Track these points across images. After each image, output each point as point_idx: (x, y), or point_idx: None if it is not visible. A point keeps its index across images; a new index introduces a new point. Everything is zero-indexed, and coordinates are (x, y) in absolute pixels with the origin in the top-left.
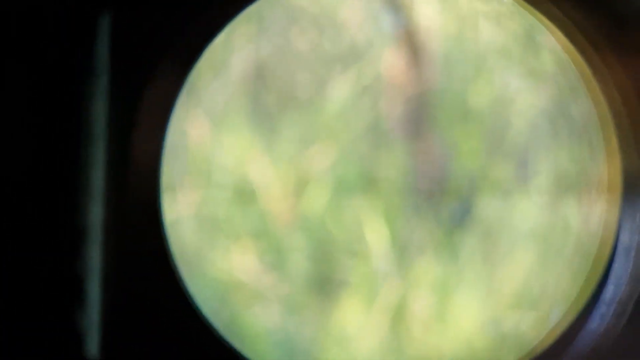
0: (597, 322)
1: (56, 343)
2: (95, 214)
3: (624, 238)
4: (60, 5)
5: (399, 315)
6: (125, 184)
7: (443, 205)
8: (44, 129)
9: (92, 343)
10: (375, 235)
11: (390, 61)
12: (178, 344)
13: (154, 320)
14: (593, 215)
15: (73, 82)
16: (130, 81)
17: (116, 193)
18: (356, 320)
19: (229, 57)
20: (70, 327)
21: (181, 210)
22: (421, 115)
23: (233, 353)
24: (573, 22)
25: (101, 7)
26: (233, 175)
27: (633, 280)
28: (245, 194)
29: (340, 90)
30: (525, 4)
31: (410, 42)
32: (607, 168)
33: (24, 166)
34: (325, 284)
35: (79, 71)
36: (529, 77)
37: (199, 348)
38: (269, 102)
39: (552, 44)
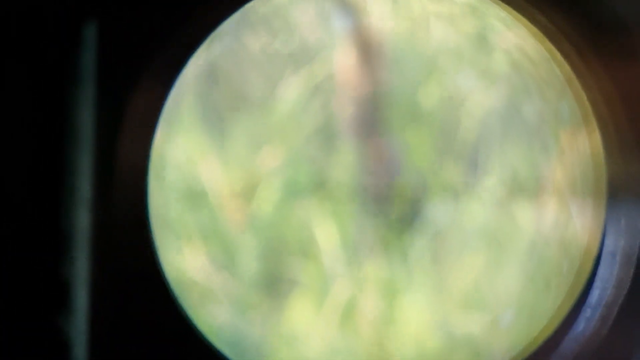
0: (582, 326)
1: (41, 349)
2: (82, 220)
3: (609, 242)
4: (45, 14)
5: (348, 316)
6: (112, 190)
7: (393, 206)
8: (30, 135)
9: (80, 349)
10: (325, 236)
11: (341, 61)
12: (165, 350)
13: (141, 326)
14: (546, 217)
15: (59, 89)
16: (117, 88)
17: (102, 199)
18: (306, 320)
19: None
20: (56, 333)
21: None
22: (372, 115)
23: (220, 358)
24: (557, 27)
25: (85, 16)
26: (184, 175)
27: (618, 284)
28: (195, 194)
29: (291, 91)
30: (510, 9)
31: (361, 42)
32: (591, 172)
33: (9, 172)
34: (275, 283)
35: (65, 78)
36: (481, 77)
37: (185, 353)
38: (220, 103)
39: (505, 44)
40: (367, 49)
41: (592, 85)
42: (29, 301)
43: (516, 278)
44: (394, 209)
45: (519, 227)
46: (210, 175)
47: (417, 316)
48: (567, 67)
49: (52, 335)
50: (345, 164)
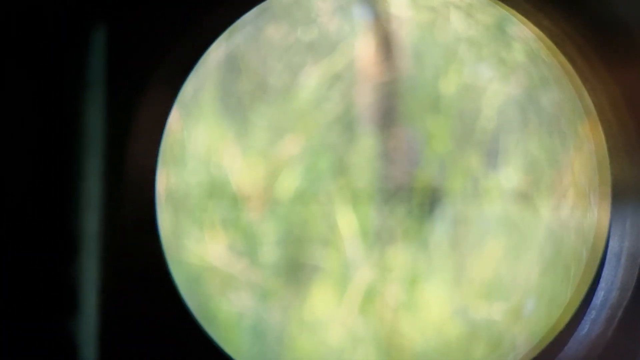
0: (587, 328)
1: (51, 350)
2: (91, 222)
3: (614, 244)
4: (54, 17)
5: (369, 303)
6: (121, 192)
7: (413, 194)
8: (40, 138)
9: (89, 350)
10: (346, 223)
11: (362, 51)
12: (173, 351)
13: (150, 328)
14: (564, 205)
15: (68, 92)
16: (126, 91)
17: (111, 201)
18: (327, 307)
19: None
20: (65, 334)
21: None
22: (392, 104)
23: (226, 358)
24: (563, 32)
25: (95, 18)
26: (205, 162)
27: (623, 286)
28: (217, 182)
29: (311, 80)
30: (517, 14)
31: (381, 31)
32: (597, 174)
33: (19, 174)
34: (296, 270)
35: (74, 81)
36: (500, 67)
37: (192, 354)
38: (241, 92)
39: (523, 35)
40: (387, 39)
41: (596, 87)
42: (38, 303)
43: (535, 266)
44: (414, 197)
45: (537, 215)
46: (231, 163)
47: (438, 303)
48: (572, 72)
49: (62, 336)
50: (365, 152)
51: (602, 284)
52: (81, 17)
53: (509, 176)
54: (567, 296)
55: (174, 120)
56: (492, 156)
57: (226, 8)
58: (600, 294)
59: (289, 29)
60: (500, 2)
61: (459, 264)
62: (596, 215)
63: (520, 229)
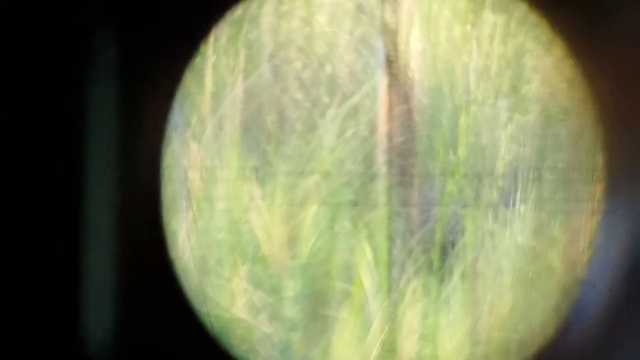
0: (578, 327)
1: (57, 345)
2: (100, 221)
3: (604, 245)
4: (58, 17)
5: (388, 353)
6: (129, 192)
7: (430, 247)
8: (47, 137)
9: (100, 347)
10: (366, 275)
11: (380, 88)
12: (178, 347)
13: (156, 325)
14: (582, 233)
15: (75, 93)
16: (132, 91)
17: (119, 201)
18: (347, 356)
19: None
20: (71, 330)
21: (181, 250)
22: (411, 144)
23: None
24: (573, 34)
25: (97, 18)
26: (230, 219)
27: (613, 286)
28: (239, 231)
29: (330, 117)
30: (523, 8)
31: (400, 67)
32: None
33: (23, 175)
34: (317, 320)
35: (80, 84)
36: (518, 100)
37: (198, 354)
38: (263, 129)
39: (539, 65)
40: (405, 76)
41: (598, 84)
42: (44, 298)
43: (550, 317)
44: (431, 251)
45: (556, 244)
46: (255, 218)
47: (456, 356)
48: (573, 65)
49: (67, 331)
50: (383, 207)
51: (592, 285)
52: (84, 17)
53: (527, 204)
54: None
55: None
56: (511, 185)
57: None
58: (589, 295)
59: (307, 64)
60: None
61: (477, 316)
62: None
63: (535, 280)
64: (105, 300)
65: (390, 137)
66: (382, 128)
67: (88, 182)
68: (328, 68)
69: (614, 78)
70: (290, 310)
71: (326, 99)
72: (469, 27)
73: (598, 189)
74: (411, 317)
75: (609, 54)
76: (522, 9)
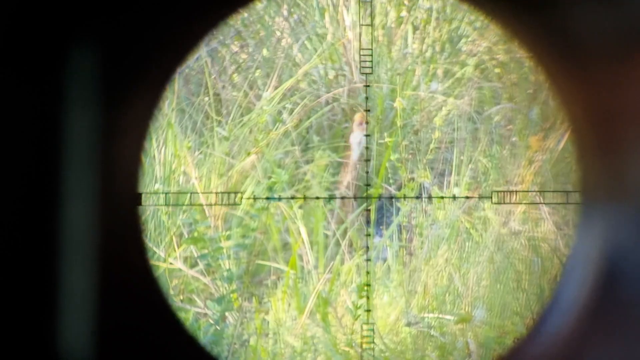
0: (555, 327)
1: (36, 350)
2: (78, 221)
3: (581, 244)
4: (43, 21)
5: (324, 309)
6: (107, 194)
7: (367, 205)
8: (27, 142)
9: (84, 349)
10: (301, 234)
11: (319, 64)
12: (158, 348)
13: (136, 328)
14: (516, 216)
15: (57, 97)
16: (112, 96)
17: (98, 204)
18: (284, 313)
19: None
20: (48, 343)
21: None
22: (346, 117)
23: None
24: (538, 47)
25: (83, 24)
26: (170, 178)
27: (590, 285)
28: (180, 197)
29: (269, 96)
30: (484, 15)
31: (339, 46)
32: (564, 175)
33: (7, 179)
34: (254, 279)
35: (60, 88)
36: (453, 83)
37: (174, 349)
38: (203, 108)
39: (476, 50)
40: (345, 54)
41: (565, 92)
42: (19, 302)
43: (487, 276)
44: (367, 206)
45: (489, 226)
46: (193, 178)
47: (389, 310)
48: (540, 73)
49: (47, 337)
50: (319, 164)
51: (570, 283)
52: (69, 22)
53: (461, 188)
54: (519, 305)
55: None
56: (445, 169)
57: (206, 16)
58: (567, 294)
59: (247, 46)
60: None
61: (412, 272)
62: (551, 225)
63: (472, 239)
64: (84, 310)
65: (326, 118)
66: (319, 109)
67: (66, 193)
68: (265, 52)
69: (588, 98)
70: (228, 265)
71: (263, 81)
72: (404, 12)
73: (529, 173)
74: (347, 270)
75: (583, 74)
76: None
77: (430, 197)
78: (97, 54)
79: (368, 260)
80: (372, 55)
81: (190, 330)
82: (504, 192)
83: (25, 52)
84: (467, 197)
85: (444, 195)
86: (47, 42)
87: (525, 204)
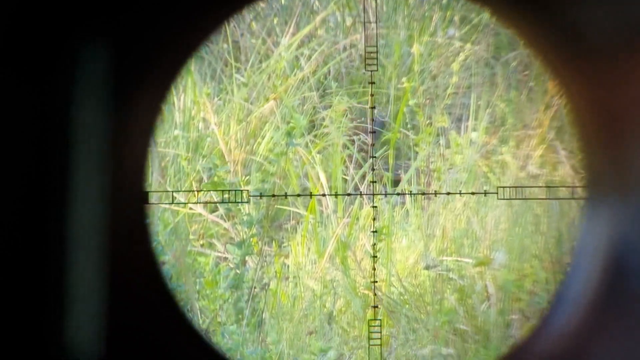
0: (562, 322)
1: (43, 356)
2: (83, 220)
3: (587, 239)
4: (50, 19)
5: (343, 252)
6: (114, 193)
7: (385, 149)
8: (34, 141)
9: (92, 347)
10: (320, 178)
11: (336, 13)
12: (166, 347)
13: (142, 326)
14: (534, 161)
15: (64, 95)
16: (118, 92)
17: (103, 209)
18: (303, 256)
19: None
20: (57, 340)
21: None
22: (364, 64)
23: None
24: (542, 39)
25: (91, 21)
26: (189, 124)
27: (596, 281)
28: (199, 142)
29: (285, 43)
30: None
31: None
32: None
33: (14, 175)
34: (273, 223)
35: (68, 84)
36: (469, 29)
37: (182, 348)
38: (219, 55)
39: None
40: (360, 3)
41: (571, 87)
42: (26, 300)
43: (505, 219)
44: (385, 151)
45: (507, 169)
46: (212, 124)
47: (407, 254)
48: (546, 69)
49: (53, 336)
50: (337, 110)
51: (576, 278)
52: (77, 21)
53: (478, 131)
54: (538, 248)
55: None
56: (462, 112)
57: (212, 13)
58: (574, 289)
59: None
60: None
61: (430, 216)
62: (568, 168)
63: (490, 183)
64: (92, 308)
65: (344, 65)
66: (337, 56)
67: (74, 192)
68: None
69: (593, 95)
70: (248, 214)
71: (280, 29)
72: None
73: (547, 116)
74: (366, 215)
75: (589, 70)
76: None
77: (448, 141)
78: (105, 52)
79: (387, 203)
80: (377, 52)
81: (198, 328)
82: (522, 134)
83: (33, 50)
84: (484, 142)
85: (461, 139)
86: (55, 40)
87: (542, 147)
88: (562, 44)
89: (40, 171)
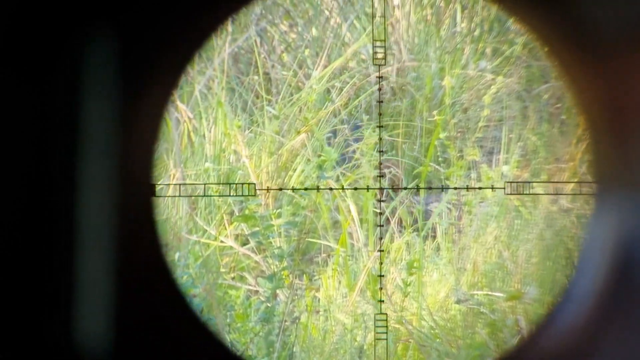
0: (570, 317)
1: (51, 349)
2: (92, 215)
3: (596, 234)
4: (55, 13)
5: (374, 287)
6: (122, 185)
7: (417, 183)
8: (43, 139)
9: (100, 340)
10: (351, 213)
11: (367, 45)
12: (174, 341)
13: (151, 321)
14: (562, 195)
15: (73, 86)
16: (126, 87)
17: (111, 202)
18: (334, 291)
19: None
20: (65, 333)
21: (174, 187)
22: (395, 97)
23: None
24: (551, 35)
25: (96, 14)
26: (220, 156)
27: (605, 276)
28: (231, 172)
29: (317, 75)
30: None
31: (386, 27)
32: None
33: (20, 170)
34: (304, 258)
35: (74, 79)
36: (501, 61)
37: (190, 342)
38: (251, 88)
39: (522, 28)
40: (392, 35)
41: (579, 82)
42: (35, 297)
43: (536, 253)
44: (416, 185)
45: (539, 203)
46: (243, 157)
47: (438, 288)
48: (554, 64)
49: (58, 331)
50: (368, 144)
51: (585, 274)
52: (86, 11)
53: (510, 164)
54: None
55: (187, 114)
56: (493, 145)
57: (222, 3)
58: (582, 284)
59: (294, 26)
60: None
61: (462, 251)
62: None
63: (520, 218)
64: (99, 302)
65: (375, 97)
66: (368, 89)
67: (84, 177)
68: (314, 31)
69: (601, 88)
70: (280, 249)
71: (312, 60)
72: None
73: (579, 151)
74: (397, 248)
75: (597, 65)
76: None
77: (480, 177)
78: (114, 43)
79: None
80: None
81: (204, 320)
82: (552, 172)
83: (42, 41)
84: (515, 174)
85: (493, 172)
86: (64, 31)
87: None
88: (571, 36)
89: (47, 164)
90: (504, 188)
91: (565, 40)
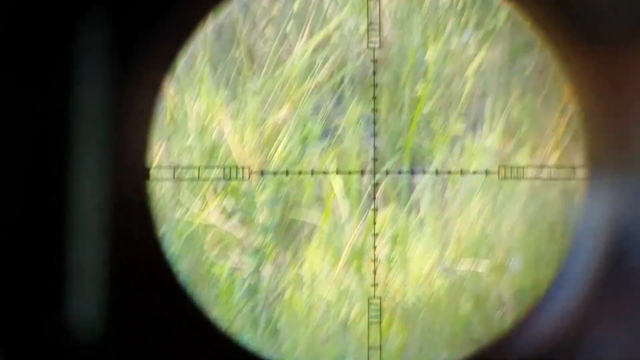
0: (562, 302)
1: (44, 333)
2: (86, 199)
3: (588, 219)
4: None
5: (358, 259)
6: (116, 169)
7: (401, 156)
8: (35, 126)
9: (93, 323)
10: (335, 185)
11: (349, 18)
12: (167, 324)
13: (146, 306)
14: (547, 164)
15: (67, 71)
16: (121, 72)
17: (105, 186)
18: (319, 263)
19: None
20: (58, 318)
21: (159, 161)
22: (378, 70)
23: (234, 346)
24: (548, 19)
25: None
26: (202, 130)
27: (597, 261)
28: (213, 148)
29: (299, 48)
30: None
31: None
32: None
33: (15, 165)
34: (289, 230)
35: (67, 60)
36: (484, 34)
37: (183, 325)
38: (233, 62)
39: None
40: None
41: (573, 67)
42: (30, 287)
43: (520, 225)
44: (400, 159)
45: (521, 175)
46: (226, 130)
47: (424, 260)
48: (549, 49)
49: (54, 319)
50: (352, 118)
51: (577, 258)
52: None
53: (493, 137)
54: (554, 254)
55: (170, 91)
56: (477, 119)
57: None
58: (574, 269)
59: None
60: None
61: (446, 222)
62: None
63: (505, 189)
64: (92, 287)
65: (358, 70)
66: (350, 63)
67: (76, 168)
68: (295, 6)
69: (596, 76)
70: (263, 220)
71: (294, 36)
72: None
73: (563, 122)
74: (381, 222)
75: (591, 50)
76: None
77: (464, 147)
78: (107, 27)
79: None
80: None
81: (198, 303)
82: (536, 139)
83: (35, 26)
84: (499, 145)
85: (476, 146)
86: (57, 15)
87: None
88: (565, 21)
89: (41, 148)
90: (497, 173)
91: (561, 25)
